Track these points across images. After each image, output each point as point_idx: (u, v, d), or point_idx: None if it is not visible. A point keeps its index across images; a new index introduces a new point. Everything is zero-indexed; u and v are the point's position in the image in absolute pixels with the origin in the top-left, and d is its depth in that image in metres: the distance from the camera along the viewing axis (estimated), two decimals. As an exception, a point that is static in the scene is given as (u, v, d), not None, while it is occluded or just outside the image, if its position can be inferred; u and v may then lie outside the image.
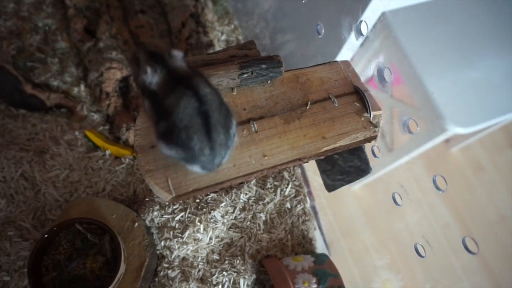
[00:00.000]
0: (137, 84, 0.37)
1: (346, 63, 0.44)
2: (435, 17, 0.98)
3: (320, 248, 0.66)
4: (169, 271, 0.58)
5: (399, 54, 0.93)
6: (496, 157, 1.45)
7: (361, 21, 0.43)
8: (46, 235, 0.51)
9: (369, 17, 0.44)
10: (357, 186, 1.32)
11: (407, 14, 0.94)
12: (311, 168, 0.74)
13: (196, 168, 0.34)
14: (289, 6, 0.64)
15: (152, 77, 0.34)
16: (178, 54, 0.36)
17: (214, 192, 0.62)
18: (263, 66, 0.39)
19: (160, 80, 0.34)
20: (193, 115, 0.32)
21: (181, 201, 0.61)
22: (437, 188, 0.36)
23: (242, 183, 0.63)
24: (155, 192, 0.34)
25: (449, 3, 1.00)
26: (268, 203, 0.64)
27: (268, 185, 0.65)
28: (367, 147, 0.44)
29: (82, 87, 0.71)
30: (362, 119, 0.40)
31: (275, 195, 0.65)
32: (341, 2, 0.48)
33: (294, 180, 0.66)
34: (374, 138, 0.40)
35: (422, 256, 0.40)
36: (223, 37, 0.78)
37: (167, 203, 0.61)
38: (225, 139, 0.34)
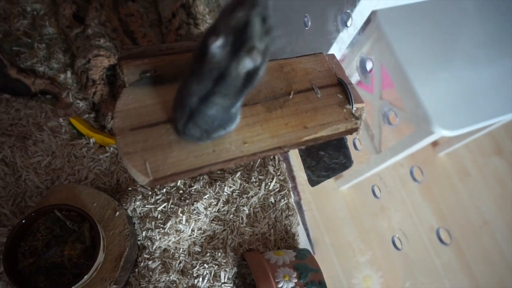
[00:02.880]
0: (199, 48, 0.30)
1: (331, 55, 0.44)
2: (426, 19, 0.99)
3: (303, 243, 0.66)
4: (150, 262, 0.58)
5: (390, 57, 0.94)
6: (481, 162, 1.47)
7: (346, 12, 0.43)
8: (23, 221, 0.50)
9: (359, 10, 0.44)
10: (345, 187, 1.33)
11: (398, 14, 0.94)
12: (297, 164, 0.74)
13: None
14: (279, 1, 0.64)
15: (215, 49, 0.27)
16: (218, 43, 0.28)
17: (193, 178, 0.62)
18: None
19: (219, 59, 0.28)
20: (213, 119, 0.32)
21: (163, 191, 0.61)
22: (414, 179, 0.36)
23: (221, 172, 0.63)
24: (132, 175, 0.34)
25: (440, 6, 1.01)
26: (252, 197, 0.64)
27: (253, 179, 0.65)
28: (349, 139, 0.44)
29: (69, 73, 0.70)
30: (345, 110, 0.40)
31: (259, 189, 0.65)
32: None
33: (279, 175, 0.66)
34: (356, 130, 0.40)
35: (398, 249, 0.40)
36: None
37: (149, 193, 0.60)
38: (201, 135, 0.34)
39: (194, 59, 0.30)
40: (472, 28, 1.01)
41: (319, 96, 0.40)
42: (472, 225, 1.33)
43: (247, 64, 0.29)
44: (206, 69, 0.29)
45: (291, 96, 0.40)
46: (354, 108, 0.40)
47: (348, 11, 0.43)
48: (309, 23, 0.49)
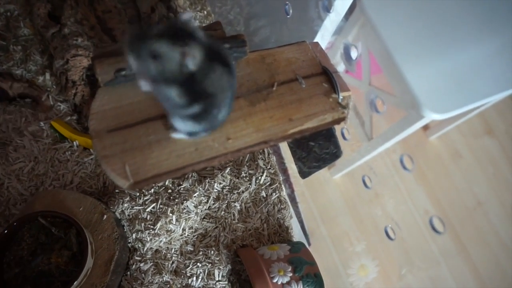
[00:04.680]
0: (156, 74, 0.30)
1: (314, 43, 0.43)
2: (411, 2, 0.98)
3: (297, 236, 0.65)
4: (142, 264, 0.57)
5: (377, 42, 0.93)
6: (473, 144, 1.48)
7: (327, -2, 0.41)
8: (5, 231, 0.48)
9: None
10: (338, 175, 1.32)
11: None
12: (288, 156, 0.73)
13: (207, 133, 0.35)
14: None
15: (193, 59, 0.29)
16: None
17: (175, 179, 0.60)
18: (226, 45, 0.37)
19: (199, 60, 0.30)
20: (226, 90, 0.33)
21: (152, 191, 0.59)
22: (404, 168, 0.35)
23: (210, 168, 0.62)
24: (112, 178, 0.32)
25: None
26: (243, 192, 0.63)
27: (243, 174, 0.64)
28: (337, 129, 0.43)
29: (48, 75, 0.68)
30: (330, 100, 0.39)
31: (250, 184, 0.64)
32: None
33: (269, 168, 0.65)
34: (343, 119, 0.38)
35: (392, 239, 0.39)
36: (195, 23, 0.75)
37: (137, 194, 0.59)
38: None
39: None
40: (457, 9, 1.00)
41: (304, 86, 0.39)
42: (466, 207, 1.33)
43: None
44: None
45: (274, 88, 0.38)
46: (341, 97, 0.39)
47: (330, -4, 0.41)
48: (291, 11, 0.47)
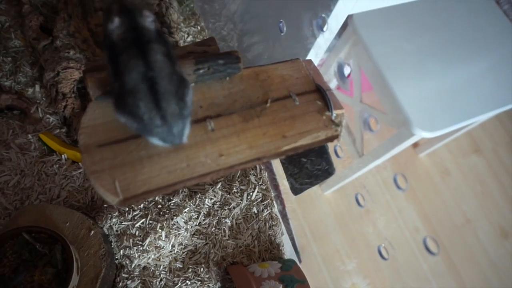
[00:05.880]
0: (103, 34, 0.35)
1: (308, 61, 0.43)
2: (401, 22, 1.00)
3: (288, 253, 0.65)
4: (129, 282, 0.55)
5: (368, 60, 0.94)
6: (461, 162, 1.50)
7: (321, 17, 0.42)
8: (-13, 247, 0.47)
9: (334, 15, 0.43)
10: (329, 191, 1.32)
11: (374, 17, 0.95)
12: (280, 172, 0.72)
13: (156, 141, 0.33)
14: (255, 7, 0.63)
15: (117, 28, 0.33)
16: (148, 15, 0.34)
17: (166, 194, 0.59)
18: (220, 61, 0.37)
19: (121, 33, 0.33)
20: (138, 80, 0.31)
21: (141, 206, 0.58)
22: (398, 187, 0.35)
23: (201, 184, 0.61)
24: (101, 194, 0.31)
25: (414, 9, 1.02)
26: (234, 208, 0.62)
27: (234, 190, 0.63)
28: (330, 147, 0.43)
29: (37, 87, 0.67)
30: (324, 117, 0.39)
31: (241, 199, 0.63)
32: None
33: (261, 184, 0.65)
34: (336, 137, 0.38)
35: (385, 258, 0.38)
36: (189, 39, 0.76)
37: (126, 209, 0.58)
38: (179, 108, 0.32)
39: (114, 58, 0.33)
40: (447, 29, 1.03)
41: (297, 103, 0.39)
42: (455, 224, 1.34)
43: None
44: (129, 47, 0.32)
45: (268, 105, 0.38)
46: (334, 115, 0.39)
47: (323, 15, 0.42)
48: (285, 29, 0.48)
